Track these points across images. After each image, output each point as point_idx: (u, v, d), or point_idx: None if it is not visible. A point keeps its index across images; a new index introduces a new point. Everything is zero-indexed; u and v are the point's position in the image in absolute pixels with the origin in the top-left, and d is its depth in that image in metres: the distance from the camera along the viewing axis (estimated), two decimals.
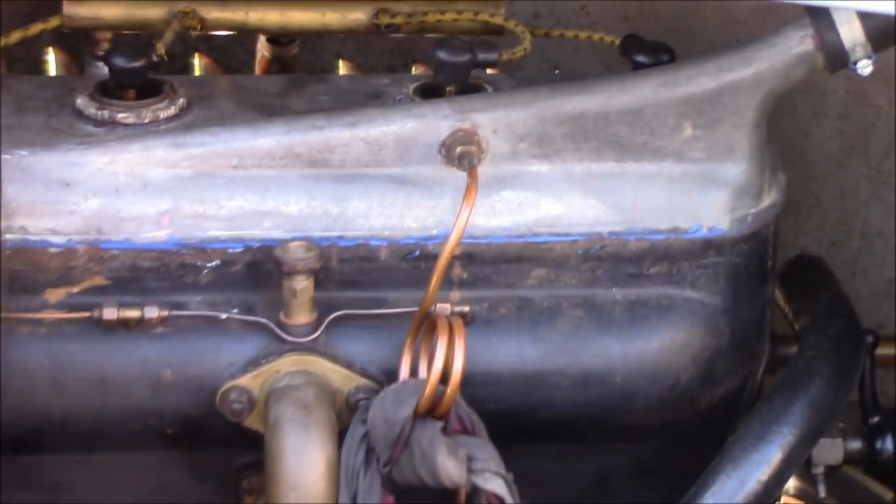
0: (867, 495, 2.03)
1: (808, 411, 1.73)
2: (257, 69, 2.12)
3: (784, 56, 1.71)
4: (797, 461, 1.74)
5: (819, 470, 1.90)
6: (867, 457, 1.88)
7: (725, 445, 1.72)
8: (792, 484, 2.03)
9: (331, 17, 1.98)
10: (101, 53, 1.86)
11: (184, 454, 1.81)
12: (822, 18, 1.68)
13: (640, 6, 2.19)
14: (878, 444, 1.86)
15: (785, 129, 2.13)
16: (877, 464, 1.88)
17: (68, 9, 1.95)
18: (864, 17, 1.67)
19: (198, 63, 2.16)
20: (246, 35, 2.07)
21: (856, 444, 1.87)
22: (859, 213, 2.30)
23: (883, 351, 2.05)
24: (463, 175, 1.68)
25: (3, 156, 1.65)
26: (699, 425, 1.80)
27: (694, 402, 1.79)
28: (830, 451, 1.86)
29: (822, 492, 1.92)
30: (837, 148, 2.28)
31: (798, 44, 1.70)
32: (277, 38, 2.05)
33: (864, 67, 1.69)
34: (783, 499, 2.02)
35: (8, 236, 1.66)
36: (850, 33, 1.68)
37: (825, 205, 2.30)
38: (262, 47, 2.06)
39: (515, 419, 1.74)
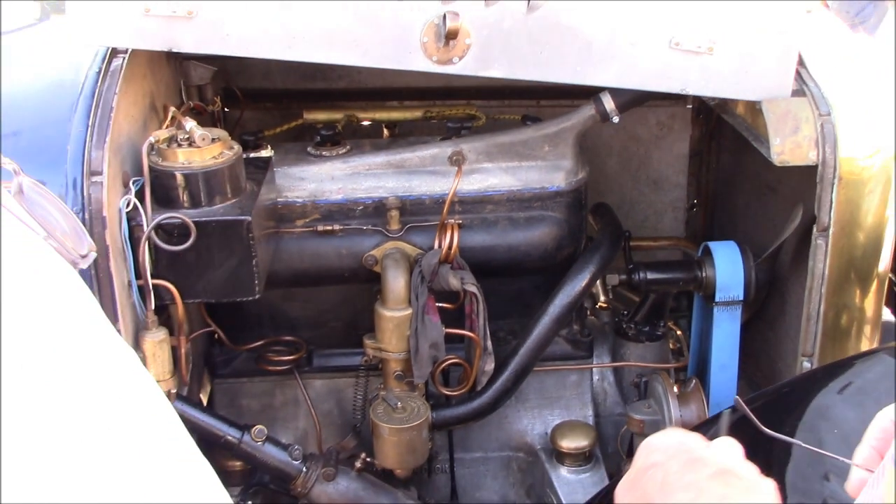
0: (629, 300, 2.02)
1: (599, 260, 1.75)
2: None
3: (584, 116, 1.70)
4: (594, 282, 1.76)
5: (609, 287, 1.92)
6: (628, 283, 1.86)
7: (566, 275, 1.74)
8: (602, 298, 2.05)
9: (409, 114, 1.98)
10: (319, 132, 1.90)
11: (352, 286, 1.80)
12: (597, 99, 1.68)
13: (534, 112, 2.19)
14: (633, 276, 1.83)
15: (594, 159, 2.05)
16: (632, 285, 1.86)
17: (306, 115, 1.96)
18: (614, 94, 1.66)
19: None
20: (377, 125, 2.05)
21: (622, 277, 1.85)
22: (627, 193, 2.25)
23: (635, 243, 2.03)
24: (456, 169, 1.71)
25: (277, 169, 1.68)
26: (557, 269, 1.78)
27: (555, 258, 1.77)
28: (612, 279, 1.86)
29: (609, 295, 1.95)
30: (616, 166, 2.23)
31: (589, 110, 1.69)
32: (389, 125, 2.03)
33: (616, 120, 1.68)
34: (599, 302, 2.01)
35: (279, 200, 1.68)
36: (609, 104, 1.67)
37: (613, 190, 2.22)
38: (385, 131, 2.05)
39: (480, 266, 1.72)
